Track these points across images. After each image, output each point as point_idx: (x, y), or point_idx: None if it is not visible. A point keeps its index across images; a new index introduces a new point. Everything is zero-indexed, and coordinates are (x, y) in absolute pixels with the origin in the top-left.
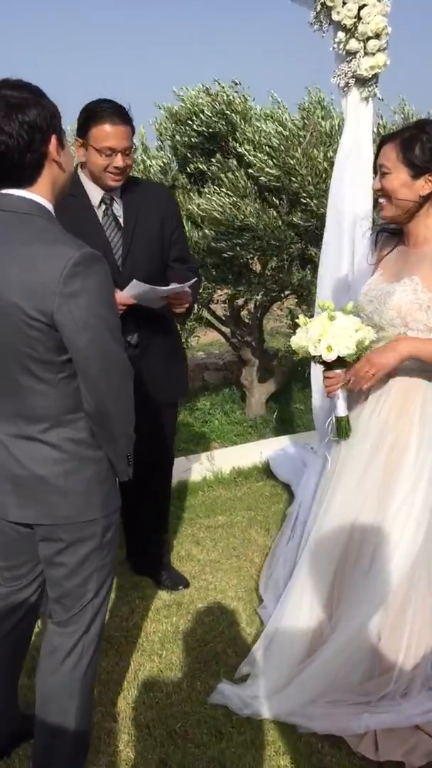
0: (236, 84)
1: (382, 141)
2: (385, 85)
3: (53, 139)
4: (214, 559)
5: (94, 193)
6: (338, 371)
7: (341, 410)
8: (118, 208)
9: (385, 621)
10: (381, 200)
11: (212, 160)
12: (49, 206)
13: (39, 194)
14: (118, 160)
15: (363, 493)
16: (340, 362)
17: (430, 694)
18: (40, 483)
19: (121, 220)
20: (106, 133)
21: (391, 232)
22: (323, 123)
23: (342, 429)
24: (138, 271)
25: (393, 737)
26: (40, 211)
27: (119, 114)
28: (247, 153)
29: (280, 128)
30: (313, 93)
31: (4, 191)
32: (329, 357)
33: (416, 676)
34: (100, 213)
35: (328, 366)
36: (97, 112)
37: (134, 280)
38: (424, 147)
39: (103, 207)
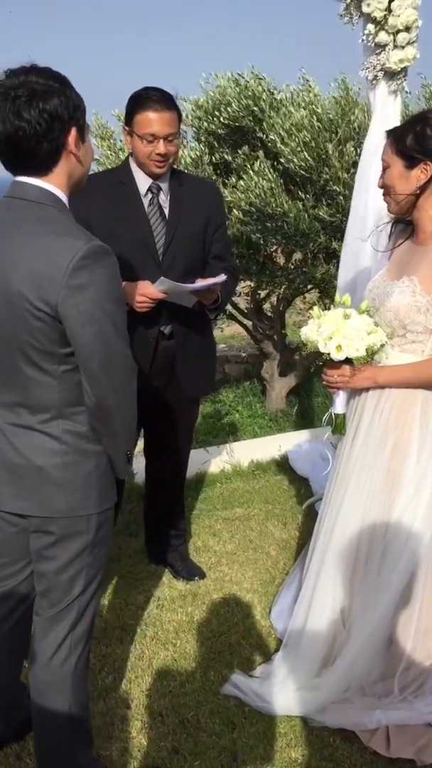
0: (260, 78)
1: (387, 136)
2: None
3: (73, 131)
4: (231, 551)
5: (142, 182)
6: (345, 367)
7: (340, 407)
8: (164, 199)
9: (397, 623)
10: (385, 196)
11: (238, 151)
12: (63, 197)
13: (53, 184)
14: (161, 147)
15: (369, 494)
16: (347, 362)
17: None
18: (39, 474)
19: (166, 212)
20: (149, 119)
21: (405, 223)
22: (353, 117)
23: (338, 425)
24: (177, 263)
25: (405, 734)
26: (54, 201)
27: (162, 101)
28: (278, 140)
29: (313, 119)
30: (346, 84)
31: (19, 179)
32: (338, 357)
33: (429, 675)
34: (146, 201)
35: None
36: (141, 99)
37: (161, 278)
38: (417, 135)
39: (150, 196)
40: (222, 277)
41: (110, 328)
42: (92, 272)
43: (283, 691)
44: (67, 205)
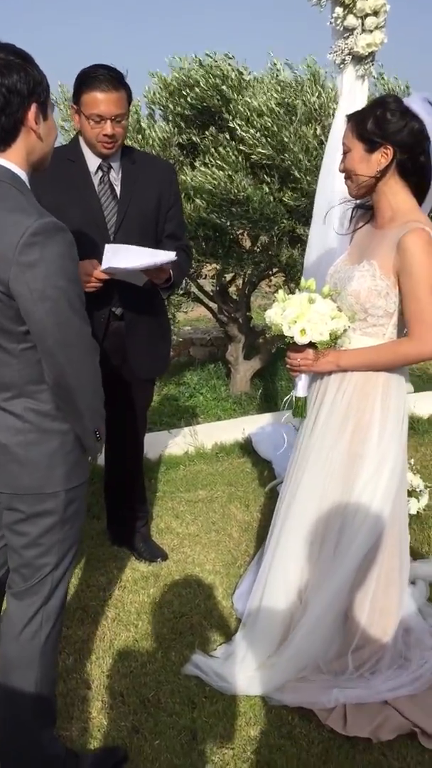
0: (230, 57)
1: (347, 120)
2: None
3: (33, 107)
4: (193, 532)
5: (92, 160)
6: (309, 351)
7: (301, 390)
8: (115, 177)
9: (352, 601)
10: (346, 180)
11: (206, 133)
12: (22, 174)
13: (11, 161)
14: (108, 128)
15: (327, 475)
16: (311, 346)
17: (399, 671)
18: (3, 451)
19: (117, 190)
20: (96, 99)
21: (366, 208)
22: (313, 99)
23: (299, 408)
24: (129, 243)
25: (362, 712)
26: (10, 177)
27: (111, 80)
28: (239, 128)
29: (272, 105)
30: (311, 66)
31: None
32: (302, 341)
33: (385, 653)
34: (96, 180)
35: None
36: (88, 78)
37: (107, 245)
38: (377, 120)
39: (100, 174)
40: (172, 254)
41: (65, 306)
42: (43, 249)
43: (242, 671)
44: (27, 183)
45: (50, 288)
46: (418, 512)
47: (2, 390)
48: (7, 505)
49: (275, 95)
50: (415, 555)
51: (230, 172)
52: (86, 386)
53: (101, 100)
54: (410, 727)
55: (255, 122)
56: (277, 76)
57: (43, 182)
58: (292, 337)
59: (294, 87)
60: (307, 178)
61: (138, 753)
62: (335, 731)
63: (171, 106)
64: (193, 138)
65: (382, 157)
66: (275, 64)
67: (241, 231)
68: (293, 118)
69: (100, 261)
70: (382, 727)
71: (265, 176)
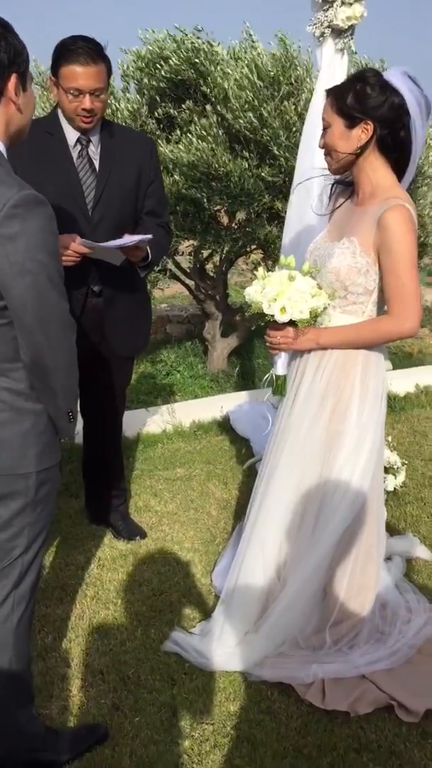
0: (198, 30)
1: (327, 95)
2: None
3: (13, 77)
4: (172, 510)
5: (70, 133)
6: (289, 329)
7: (281, 369)
8: (94, 151)
9: (332, 576)
10: (326, 156)
11: (182, 106)
12: (1, 146)
13: None
14: (86, 102)
15: (306, 455)
16: (291, 324)
17: (377, 645)
18: None
19: (96, 164)
20: (75, 73)
21: (346, 184)
22: (289, 73)
23: (279, 387)
24: (107, 218)
25: (339, 687)
26: None
27: (90, 53)
28: (217, 98)
29: (253, 77)
30: (283, 40)
31: None
32: (282, 318)
33: (363, 627)
34: (74, 153)
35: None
36: (68, 50)
37: (81, 239)
38: (358, 94)
39: (79, 147)
40: (148, 236)
41: (44, 281)
42: (24, 221)
43: (221, 647)
44: (5, 154)
45: (30, 262)
46: (394, 489)
47: None
48: None
49: (259, 66)
50: (392, 531)
51: (213, 145)
52: (62, 365)
53: (80, 73)
54: (387, 700)
55: (237, 95)
56: (252, 47)
57: (20, 155)
58: (272, 315)
59: (279, 60)
60: (286, 154)
61: (118, 730)
62: (314, 705)
63: (146, 80)
64: (170, 111)
65: (363, 132)
66: (250, 35)
67: (219, 207)
68: (275, 93)
69: (78, 235)
70: (360, 700)
71: (244, 151)
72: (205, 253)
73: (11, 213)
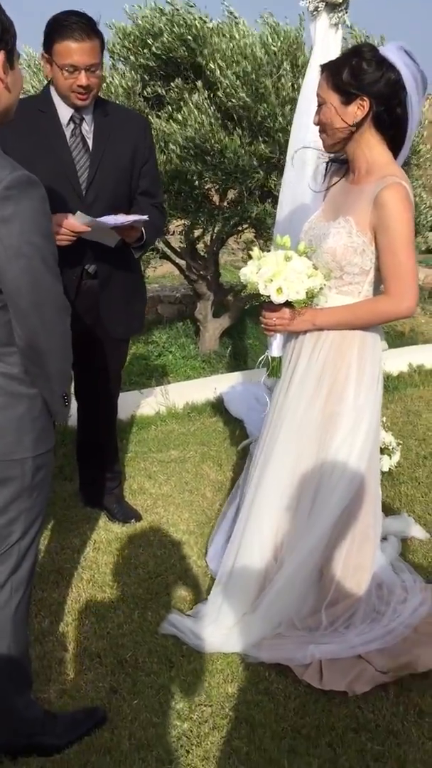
0: (191, 6)
1: (321, 71)
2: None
3: (1, 55)
4: (167, 493)
5: (64, 111)
6: (285, 310)
7: (276, 350)
8: (87, 130)
9: (328, 557)
10: (321, 134)
11: (171, 84)
12: None
13: None
14: (82, 78)
15: (303, 436)
16: (287, 305)
17: (373, 624)
18: None
19: (90, 143)
20: (70, 49)
21: (341, 162)
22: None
23: (274, 369)
24: (102, 198)
25: (336, 667)
26: None
27: (84, 28)
28: (218, 71)
29: (255, 49)
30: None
31: None
32: (278, 299)
33: (359, 607)
34: (68, 132)
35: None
36: (61, 26)
37: (78, 212)
38: (354, 70)
39: (72, 126)
40: (144, 217)
41: (39, 264)
42: (17, 203)
43: (218, 629)
44: None
45: (25, 245)
46: (389, 469)
47: None
48: None
49: (265, 39)
50: (387, 511)
51: (212, 120)
52: (57, 348)
53: (75, 49)
54: (383, 678)
55: (236, 65)
56: (235, 24)
57: (11, 133)
58: (267, 296)
59: (281, 37)
60: (279, 132)
61: (117, 713)
62: (311, 686)
63: (133, 57)
64: (159, 90)
65: (359, 109)
66: (231, 13)
67: (211, 185)
68: (274, 70)
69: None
70: (357, 680)
71: (236, 128)
72: (197, 232)
73: (4, 195)
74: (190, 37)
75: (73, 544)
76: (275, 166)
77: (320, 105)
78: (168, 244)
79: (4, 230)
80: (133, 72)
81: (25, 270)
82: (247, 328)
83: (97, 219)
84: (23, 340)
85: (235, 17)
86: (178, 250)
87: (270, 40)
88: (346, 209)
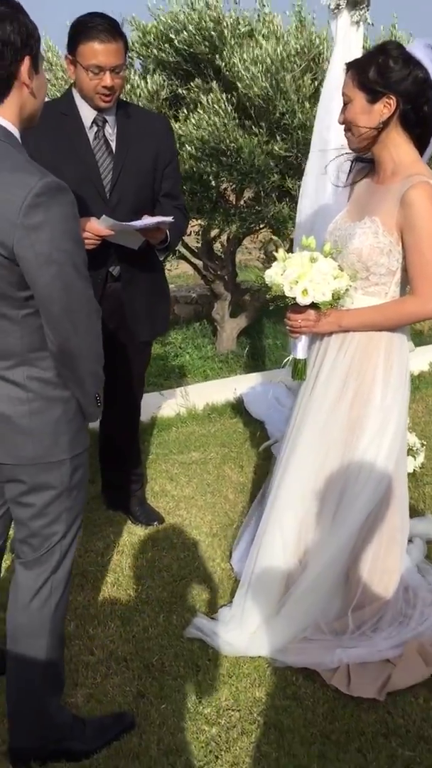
0: (236, 2)
1: (347, 69)
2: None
3: (27, 60)
4: (189, 495)
5: (87, 113)
6: (311, 311)
7: (301, 352)
8: (110, 132)
9: (355, 561)
10: (346, 132)
11: (190, 84)
12: (15, 131)
13: (4, 117)
14: (107, 79)
15: (327, 439)
16: (312, 307)
17: (400, 628)
18: (5, 422)
19: (113, 145)
20: (95, 50)
21: (366, 161)
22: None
23: (299, 371)
24: (125, 200)
25: (365, 671)
26: (5, 134)
27: (109, 30)
28: (237, 65)
29: (278, 47)
30: (301, 14)
31: None
32: (304, 301)
33: (386, 610)
34: (91, 134)
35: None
36: (86, 27)
37: (103, 216)
38: (380, 68)
39: (95, 128)
40: (170, 218)
41: (70, 270)
42: (48, 210)
43: (243, 632)
44: (20, 140)
45: (56, 251)
46: (414, 470)
47: (2, 359)
48: (9, 476)
49: (282, 38)
50: (412, 513)
51: (225, 120)
52: (90, 351)
53: (100, 50)
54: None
55: (260, 64)
56: (270, 22)
57: (35, 137)
58: (293, 298)
59: (301, 33)
60: (299, 130)
61: (145, 718)
62: (339, 690)
63: (155, 52)
64: (179, 90)
65: (385, 107)
66: (264, 5)
67: (227, 185)
68: (295, 66)
69: (96, 218)
70: (386, 687)
71: (253, 127)
72: (213, 232)
73: (35, 202)
74: (214, 33)
75: (96, 546)
76: (292, 165)
77: (346, 103)
78: (185, 244)
79: (35, 237)
80: (156, 74)
81: (56, 276)
82: (264, 328)
83: (123, 222)
84: (56, 344)
85: (266, 12)
86: (195, 250)
87: (294, 37)
88: (371, 209)
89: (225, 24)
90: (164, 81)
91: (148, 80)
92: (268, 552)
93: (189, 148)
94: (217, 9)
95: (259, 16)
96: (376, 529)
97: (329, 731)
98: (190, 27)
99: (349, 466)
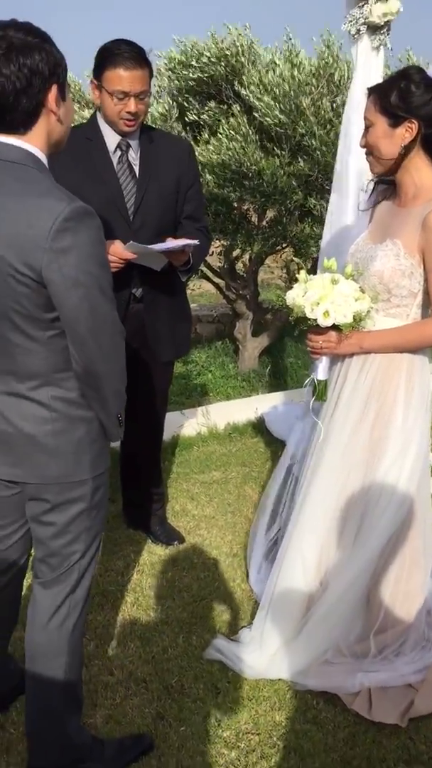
0: (247, 28)
1: (368, 94)
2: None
3: (54, 88)
4: (209, 514)
5: (110, 138)
6: (332, 333)
7: (322, 373)
8: (134, 157)
9: (376, 583)
10: (368, 156)
11: (206, 107)
12: (43, 157)
13: (32, 144)
14: (131, 105)
15: (349, 461)
16: (333, 328)
17: (422, 653)
18: (29, 442)
19: (136, 169)
20: (120, 76)
21: (388, 183)
22: (336, 71)
23: (320, 392)
24: (149, 223)
25: (386, 696)
26: (33, 161)
27: (135, 57)
28: (251, 95)
29: (294, 71)
30: (325, 39)
31: None
32: (325, 323)
33: (409, 635)
34: (114, 159)
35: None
36: (112, 54)
37: (130, 242)
38: (402, 92)
39: (119, 153)
40: (195, 241)
41: (97, 293)
42: (75, 235)
43: (263, 654)
44: (47, 166)
45: (83, 275)
46: None
47: (27, 379)
48: (33, 495)
49: (296, 62)
50: None
51: (243, 144)
52: (113, 372)
53: (125, 77)
54: None
55: (272, 90)
56: (291, 51)
57: (60, 162)
58: (314, 320)
59: (320, 57)
60: (322, 148)
61: (163, 740)
62: (361, 715)
63: (176, 81)
64: (192, 116)
65: (407, 131)
66: (291, 38)
67: (248, 206)
68: (312, 89)
69: (121, 242)
70: (409, 711)
71: (275, 148)
72: (236, 251)
73: (63, 227)
74: (230, 57)
75: (116, 566)
76: (314, 184)
77: (367, 127)
78: (207, 264)
79: (63, 261)
80: (168, 96)
81: (83, 299)
82: (286, 347)
83: (149, 246)
84: (81, 365)
85: (293, 43)
86: (217, 269)
87: (300, 64)
88: (393, 231)
89: (244, 51)
90: (174, 103)
91: (159, 102)
92: (289, 573)
93: (210, 177)
94: (237, 38)
95: (285, 46)
96: (398, 552)
97: (350, 757)
98: (208, 53)
99: (371, 488)
